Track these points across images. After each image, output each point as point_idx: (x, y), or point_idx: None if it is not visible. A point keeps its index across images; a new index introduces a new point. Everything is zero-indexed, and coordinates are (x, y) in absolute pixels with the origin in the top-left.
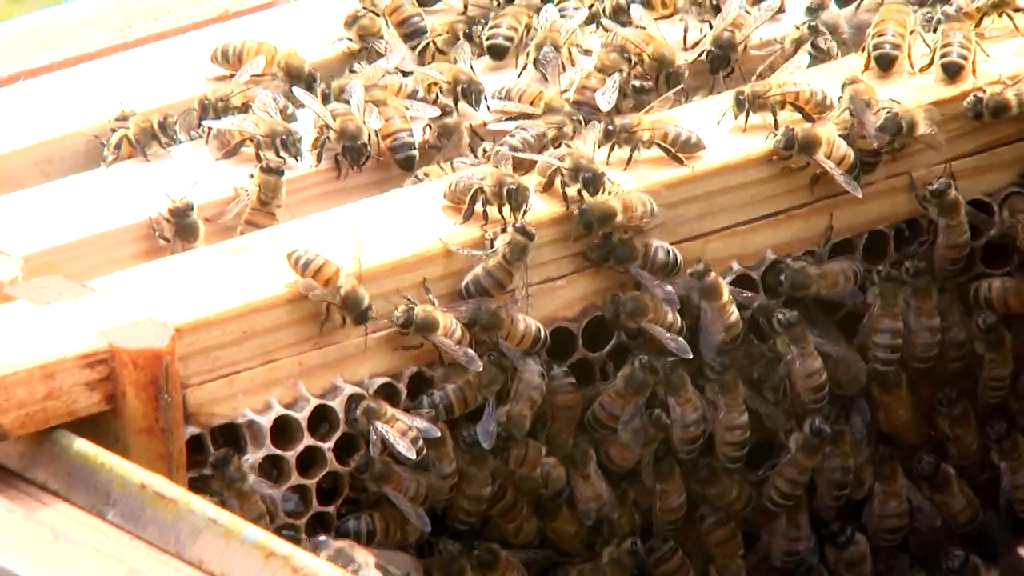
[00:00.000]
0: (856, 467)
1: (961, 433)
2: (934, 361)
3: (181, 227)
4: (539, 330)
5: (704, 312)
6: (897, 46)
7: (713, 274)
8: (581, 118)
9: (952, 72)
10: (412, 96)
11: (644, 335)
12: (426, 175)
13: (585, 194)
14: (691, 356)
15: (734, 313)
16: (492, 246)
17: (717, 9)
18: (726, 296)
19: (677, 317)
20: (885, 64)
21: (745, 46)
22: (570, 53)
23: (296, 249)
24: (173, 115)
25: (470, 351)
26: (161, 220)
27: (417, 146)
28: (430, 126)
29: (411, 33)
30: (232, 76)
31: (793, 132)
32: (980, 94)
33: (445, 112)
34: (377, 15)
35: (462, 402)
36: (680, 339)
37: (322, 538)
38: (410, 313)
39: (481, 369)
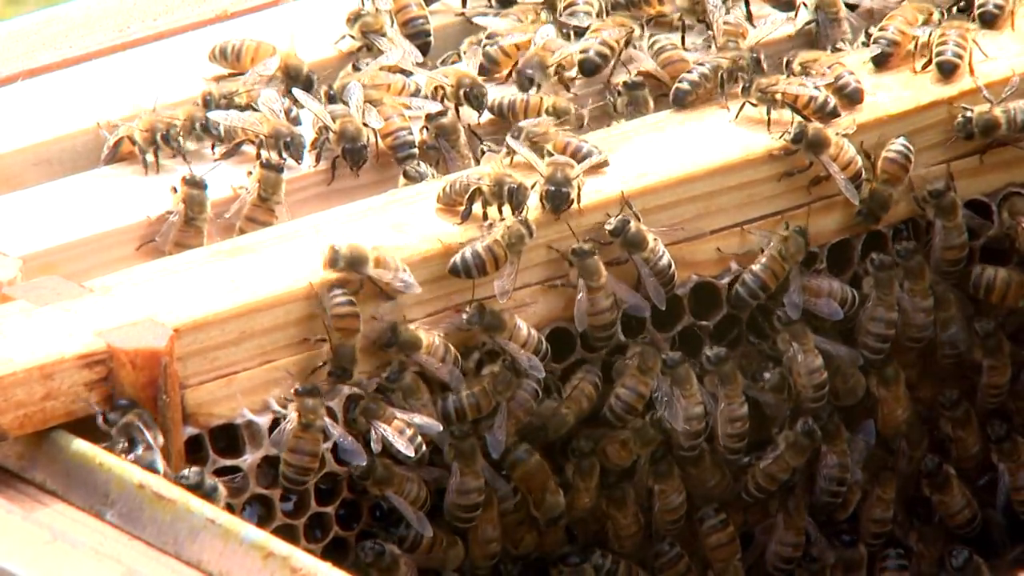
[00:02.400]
0: (849, 484)
1: (963, 435)
2: (926, 342)
3: (190, 197)
4: (541, 341)
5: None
6: (894, 43)
7: None
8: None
9: (947, 71)
10: (415, 95)
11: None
12: (418, 170)
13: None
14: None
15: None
16: (490, 230)
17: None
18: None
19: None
20: (879, 61)
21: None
22: (557, 71)
23: (338, 243)
24: (177, 125)
25: (455, 370)
26: (171, 193)
27: (417, 144)
28: (427, 127)
29: (414, 34)
30: (231, 74)
31: (804, 128)
32: (968, 114)
33: (442, 112)
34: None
35: (475, 408)
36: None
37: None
38: (394, 331)
39: (466, 376)
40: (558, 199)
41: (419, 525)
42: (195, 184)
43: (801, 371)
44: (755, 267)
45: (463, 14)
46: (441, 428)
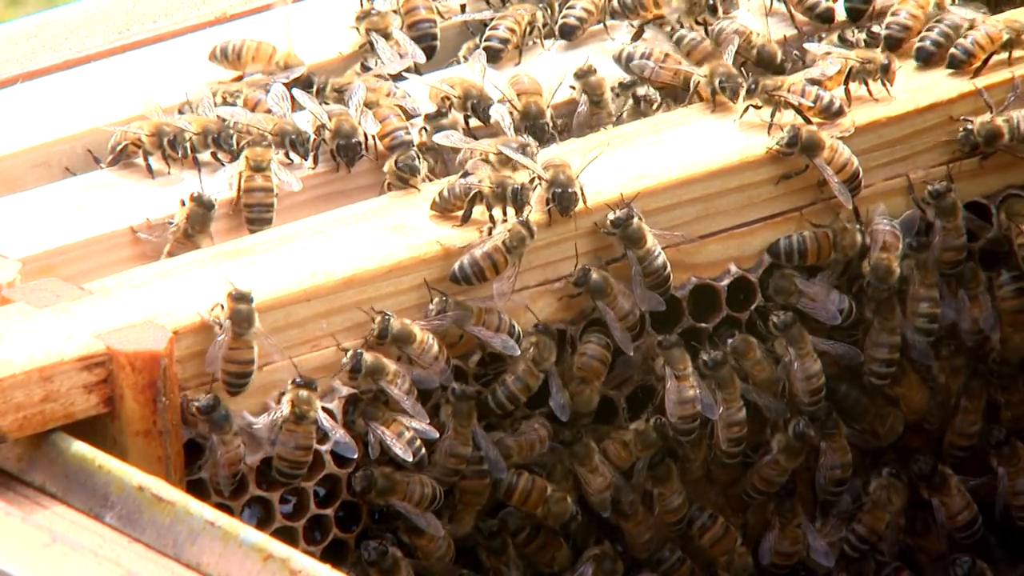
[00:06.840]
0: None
1: (970, 407)
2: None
3: (194, 214)
4: (513, 325)
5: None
6: (907, 28)
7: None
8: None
9: (922, 57)
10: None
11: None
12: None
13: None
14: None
15: None
16: (489, 235)
17: (713, 9)
18: None
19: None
20: (891, 45)
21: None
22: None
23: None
24: (186, 133)
25: (447, 369)
26: (179, 205)
27: (416, 145)
28: (426, 128)
29: (420, 37)
30: (236, 77)
31: (798, 131)
32: (969, 126)
33: (440, 113)
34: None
35: (525, 389)
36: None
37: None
38: (386, 324)
39: (517, 354)
40: (568, 200)
41: (430, 527)
42: (202, 203)
43: (798, 376)
44: (806, 232)
45: (462, 12)
46: (437, 435)
